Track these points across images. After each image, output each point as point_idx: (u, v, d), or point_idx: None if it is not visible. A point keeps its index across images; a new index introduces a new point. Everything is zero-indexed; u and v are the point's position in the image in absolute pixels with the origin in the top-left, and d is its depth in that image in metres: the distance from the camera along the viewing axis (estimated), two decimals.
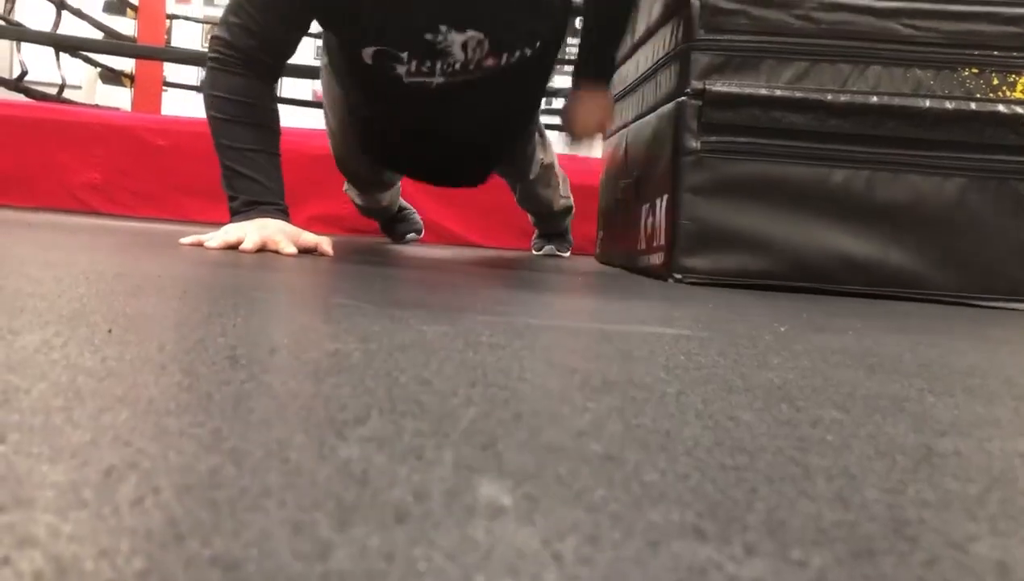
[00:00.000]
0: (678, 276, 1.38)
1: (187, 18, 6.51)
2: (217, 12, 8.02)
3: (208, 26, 7.86)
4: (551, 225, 2.27)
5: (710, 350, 0.59)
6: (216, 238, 1.21)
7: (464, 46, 1.33)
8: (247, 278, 0.85)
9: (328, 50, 1.57)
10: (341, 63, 1.49)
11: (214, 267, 0.94)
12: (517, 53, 1.38)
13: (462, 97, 1.41)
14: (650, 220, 1.52)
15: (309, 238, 1.28)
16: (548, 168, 2.03)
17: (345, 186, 2.09)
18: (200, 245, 1.21)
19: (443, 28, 1.30)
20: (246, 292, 0.72)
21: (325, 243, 1.29)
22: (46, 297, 0.57)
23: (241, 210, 1.28)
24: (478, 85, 1.39)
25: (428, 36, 1.31)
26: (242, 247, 1.19)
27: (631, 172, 1.72)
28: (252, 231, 1.22)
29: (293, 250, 1.21)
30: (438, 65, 1.35)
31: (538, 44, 1.40)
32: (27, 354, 0.38)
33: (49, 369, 0.35)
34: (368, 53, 1.34)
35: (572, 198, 2.22)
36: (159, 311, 0.57)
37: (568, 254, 2.35)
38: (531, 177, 1.99)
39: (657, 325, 0.74)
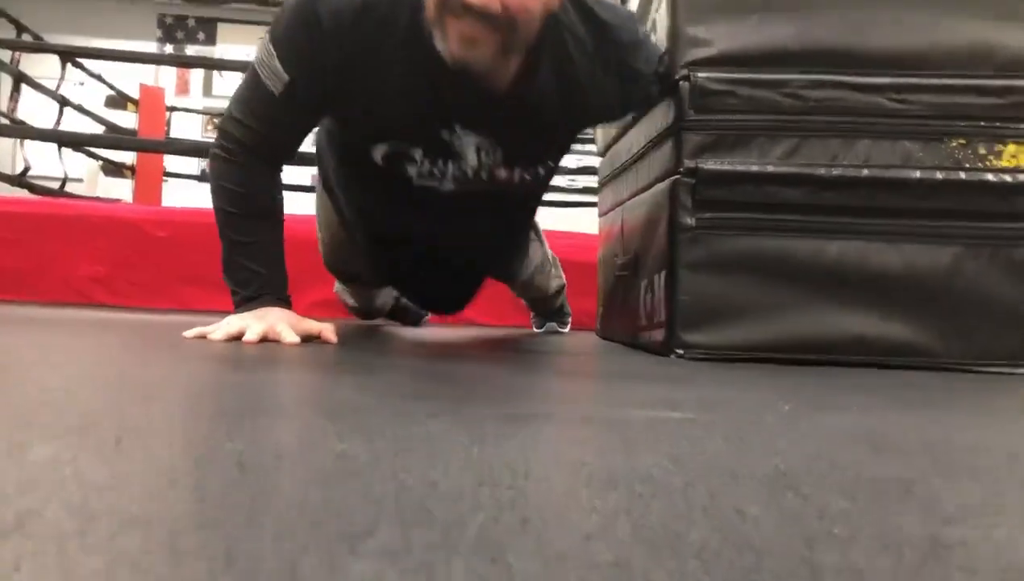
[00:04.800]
0: (679, 352, 1.38)
1: (187, 109, 6.65)
2: (216, 103, 8.19)
3: (207, 116, 8.02)
4: (547, 305, 2.29)
5: (715, 435, 0.59)
6: (219, 330, 1.22)
7: (478, 150, 1.33)
8: (251, 375, 0.86)
9: (327, 157, 1.54)
10: (349, 164, 1.47)
11: (218, 364, 0.95)
12: (528, 172, 1.39)
13: (469, 208, 1.40)
14: (649, 296, 1.53)
15: (312, 325, 1.28)
16: (542, 262, 2.04)
17: (336, 286, 2.10)
18: (204, 338, 1.22)
19: (458, 127, 1.31)
20: (250, 391, 0.73)
21: (328, 330, 1.30)
22: (54, 406, 0.57)
23: (243, 301, 1.29)
24: (486, 197, 1.39)
25: (444, 134, 1.31)
26: (245, 339, 1.19)
27: (629, 249, 1.73)
28: (254, 322, 1.23)
29: (296, 339, 1.21)
30: (450, 168, 1.35)
31: (545, 169, 1.42)
32: (38, 470, 0.38)
33: (60, 487, 0.35)
34: (380, 151, 1.34)
35: (563, 274, 2.24)
36: (166, 417, 0.57)
37: (568, 329, 2.36)
38: (524, 277, 2.01)
39: (661, 408, 0.74)
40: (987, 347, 1.38)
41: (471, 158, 1.34)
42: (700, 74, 1.39)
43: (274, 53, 1.26)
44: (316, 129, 1.50)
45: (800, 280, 1.39)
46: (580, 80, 1.31)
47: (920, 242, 1.39)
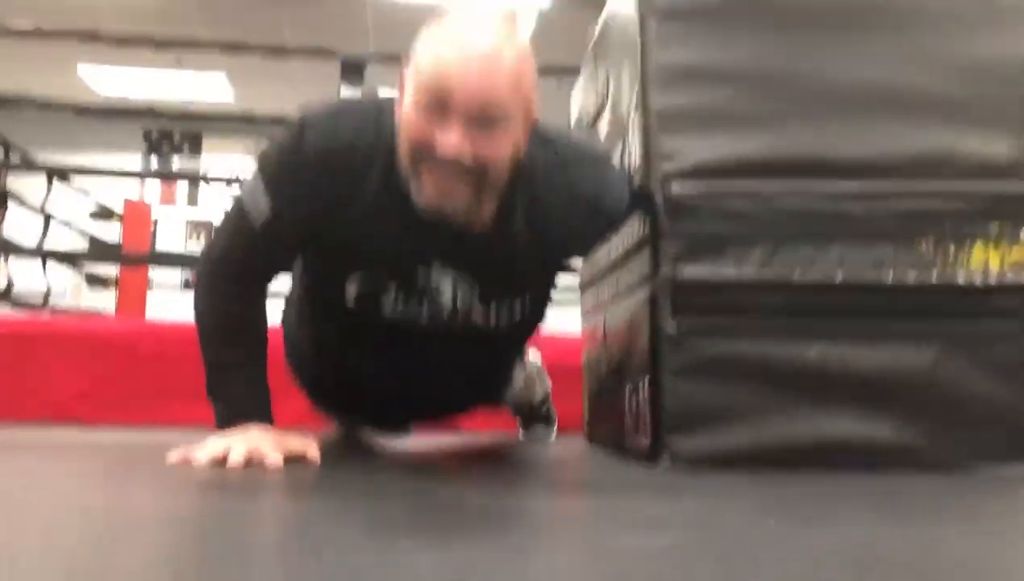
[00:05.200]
0: (666, 460, 1.38)
1: (171, 219, 6.71)
2: (201, 212, 8.26)
3: (192, 226, 8.10)
4: (532, 413, 2.28)
5: (705, 562, 0.59)
6: (203, 453, 1.21)
7: (454, 287, 1.35)
8: (235, 506, 0.85)
9: (302, 281, 1.53)
10: (320, 292, 1.46)
11: (202, 493, 0.94)
12: (505, 310, 1.40)
13: (442, 347, 1.41)
14: (634, 402, 1.53)
15: (295, 444, 1.28)
16: (526, 380, 2.04)
17: None
18: (187, 461, 1.21)
19: (436, 264, 1.33)
20: (234, 525, 0.72)
21: (311, 449, 1.29)
22: (34, 551, 0.57)
23: (226, 421, 1.29)
24: (462, 338, 1.39)
25: (420, 270, 1.33)
26: (229, 463, 1.18)
27: (612, 354, 1.75)
28: (237, 443, 1.22)
29: (279, 461, 1.20)
30: (425, 305, 1.36)
31: (523, 307, 1.42)
32: None
33: None
34: (353, 284, 1.35)
35: (548, 380, 2.23)
36: (151, 561, 0.57)
37: (554, 434, 2.34)
38: (508, 400, 2.01)
39: (649, 530, 0.74)
40: (972, 446, 1.38)
41: (447, 295, 1.35)
42: (675, 185, 1.42)
43: (260, 185, 1.30)
44: None
45: (783, 384, 1.39)
46: (552, 220, 1.33)
47: (899, 343, 1.41)
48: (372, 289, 1.35)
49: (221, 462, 1.19)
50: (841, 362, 1.40)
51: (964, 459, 1.37)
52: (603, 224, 1.44)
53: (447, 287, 1.35)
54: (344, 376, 1.60)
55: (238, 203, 1.32)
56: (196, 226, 8.15)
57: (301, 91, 7.24)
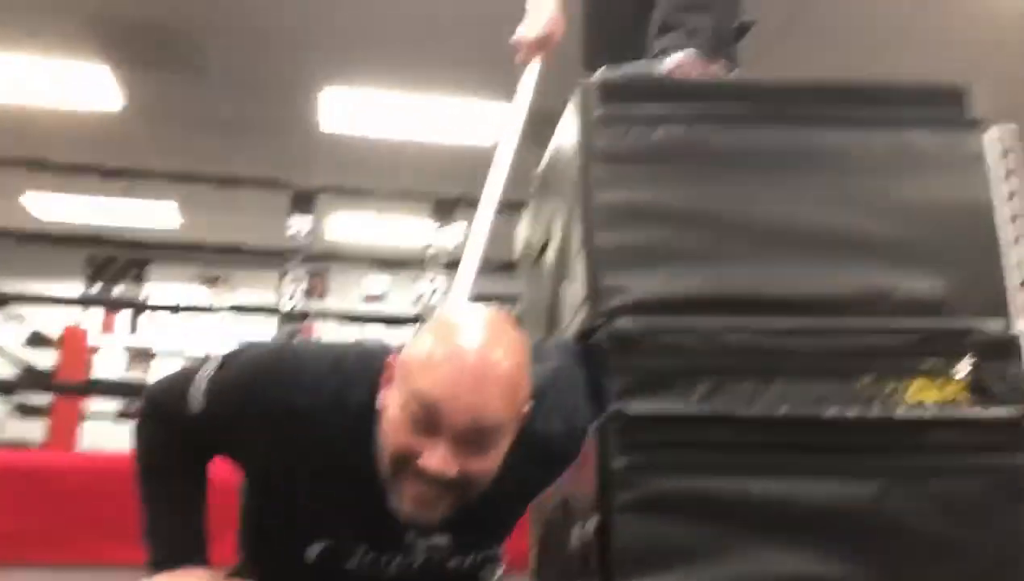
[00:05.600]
0: None
1: (112, 347, 6.59)
2: (142, 340, 8.09)
3: (133, 353, 7.94)
4: None
5: None
6: None
7: (429, 547, 1.27)
8: None
9: (245, 512, 1.39)
10: (271, 545, 1.33)
11: None
12: (482, 554, 1.34)
13: None
14: (582, 541, 1.50)
15: None
16: None
17: None
18: None
19: (411, 534, 1.24)
20: None
21: None
22: None
23: (160, 564, 1.23)
24: (434, 577, 1.31)
25: (391, 537, 1.24)
26: None
27: (558, 491, 1.72)
28: None
29: None
30: (395, 561, 1.27)
31: (498, 547, 1.38)
32: None
33: None
34: (315, 549, 1.25)
35: None
36: None
37: (500, 574, 2.27)
38: None
39: None
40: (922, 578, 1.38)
41: (420, 550, 1.27)
42: (619, 321, 1.45)
43: (202, 392, 1.22)
44: None
45: (731, 521, 1.39)
46: (521, 475, 1.26)
47: (843, 478, 1.42)
48: (336, 552, 1.25)
49: None
50: (787, 498, 1.41)
51: None
52: (563, 467, 1.37)
53: (422, 545, 1.27)
54: None
55: (191, 374, 1.25)
56: (137, 355, 8.00)
57: (251, 220, 7.29)
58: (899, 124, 1.60)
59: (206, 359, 1.28)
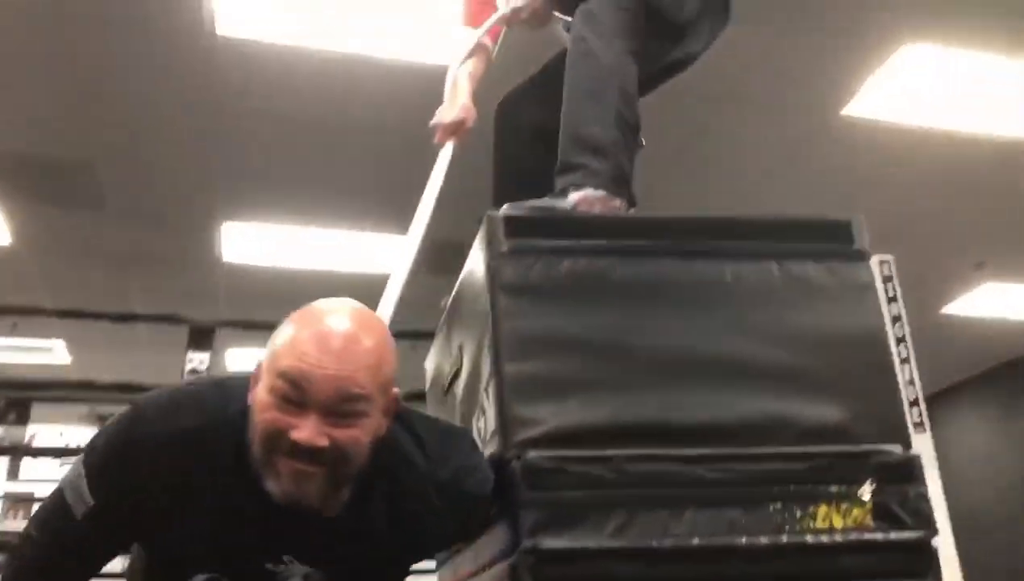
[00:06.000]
0: None
1: None
2: (22, 487, 7.61)
3: (12, 500, 7.43)
4: None
5: None
6: None
7: (305, 579, 1.26)
8: None
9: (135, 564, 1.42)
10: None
11: None
12: None
13: None
14: None
15: None
16: None
17: None
18: None
19: (286, 558, 1.25)
20: None
21: None
22: None
23: None
24: None
25: (269, 565, 1.25)
26: None
27: None
28: None
29: None
30: None
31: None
32: None
33: None
34: (200, 579, 1.24)
35: None
36: None
37: None
38: None
39: None
40: None
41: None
42: (531, 453, 1.43)
43: (83, 475, 1.20)
44: None
45: None
46: (412, 508, 1.30)
47: None
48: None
49: None
50: None
51: None
52: (470, 515, 1.40)
53: (299, 571, 1.26)
54: None
55: (58, 495, 1.22)
56: (16, 502, 7.49)
57: (146, 357, 7.06)
58: (791, 256, 1.66)
59: (53, 493, 1.24)
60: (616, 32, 1.85)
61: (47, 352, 7.13)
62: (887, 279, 3.82)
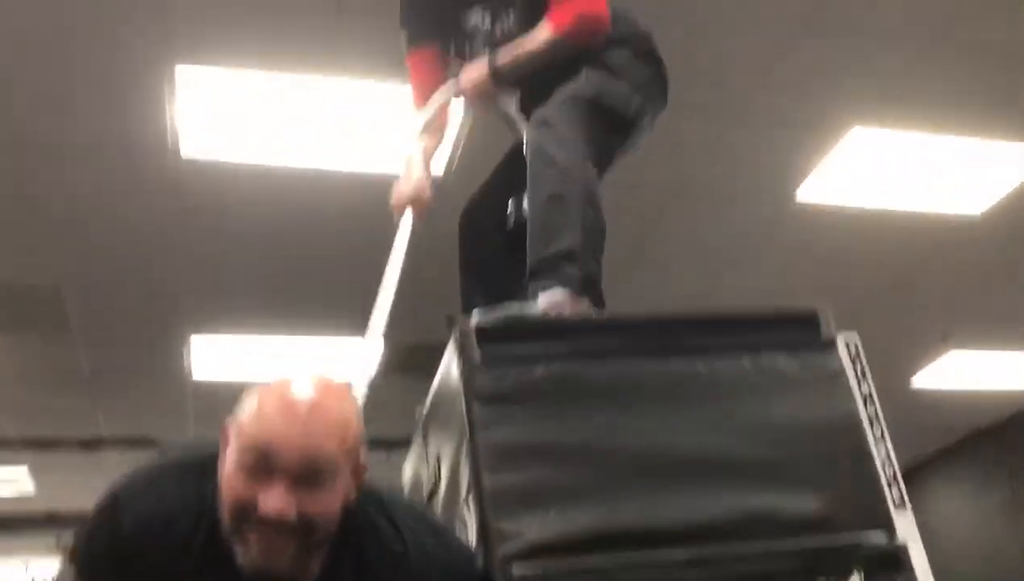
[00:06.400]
0: None
1: None
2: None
3: None
4: None
5: None
6: None
7: None
8: None
9: None
10: None
11: None
12: None
13: None
14: None
15: None
16: None
17: None
18: None
19: None
20: None
21: None
22: None
23: None
24: None
25: None
26: None
27: None
28: None
29: None
30: None
31: None
32: None
33: None
34: None
35: None
36: None
37: None
38: None
39: None
40: None
41: None
42: (515, 567, 1.40)
43: (71, 565, 1.22)
44: None
45: None
46: (381, 576, 1.29)
47: None
48: None
49: None
50: None
51: None
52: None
53: None
54: None
55: None
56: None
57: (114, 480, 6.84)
58: (760, 348, 1.67)
59: None
60: (575, 137, 1.90)
61: (12, 484, 6.93)
62: (854, 359, 3.84)
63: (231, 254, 4.54)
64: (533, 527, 1.44)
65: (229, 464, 1.17)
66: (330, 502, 1.17)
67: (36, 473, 6.85)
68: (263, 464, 1.14)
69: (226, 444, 1.21)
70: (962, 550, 6.65)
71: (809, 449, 1.59)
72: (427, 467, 1.89)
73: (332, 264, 4.66)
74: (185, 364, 5.53)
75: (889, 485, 3.77)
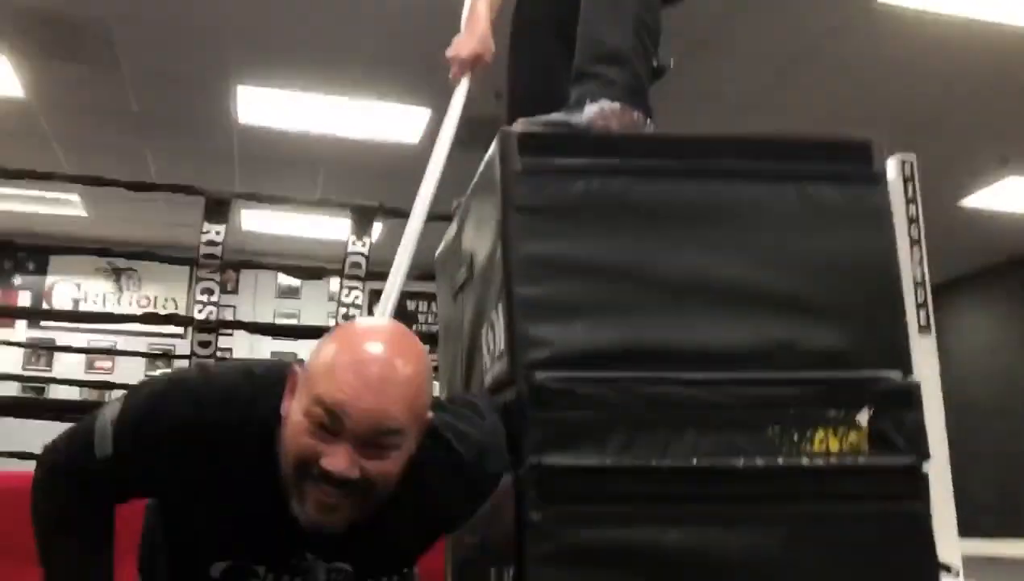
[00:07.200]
0: None
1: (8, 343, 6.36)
2: (42, 333, 7.81)
3: (32, 350, 7.64)
4: None
5: None
6: None
7: (328, 572, 1.29)
8: None
9: (157, 539, 1.39)
10: (179, 561, 1.33)
11: None
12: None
13: None
14: None
15: None
16: None
17: None
18: None
19: (310, 557, 1.27)
20: None
21: None
22: None
23: None
24: None
25: (293, 560, 1.27)
26: None
27: (475, 529, 1.73)
28: None
29: None
30: None
31: (399, 575, 1.40)
32: None
33: None
34: (218, 568, 1.27)
35: None
36: None
37: None
38: None
39: None
40: None
41: (321, 575, 1.29)
42: (538, 374, 1.46)
43: (112, 424, 1.22)
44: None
45: (645, 571, 1.42)
46: (436, 503, 1.33)
47: (752, 527, 1.46)
48: (239, 572, 1.27)
49: None
50: (699, 547, 1.44)
51: None
52: (485, 489, 1.41)
53: (321, 572, 1.29)
54: None
55: (89, 425, 1.24)
56: (36, 352, 7.71)
57: (160, 216, 7.08)
58: (808, 178, 1.64)
59: (104, 405, 1.28)
60: None
61: (65, 204, 7.17)
62: (908, 180, 3.77)
63: (280, 3, 4.42)
64: (559, 338, 1.49)
65: (296, 414, 1.15)
66: (393, 466, 1.17)
67: (87, 201, 7.08)
68: (332, 423, 1.12)
69: (294, 388, 1.18)
70: (979, 372, 6.77)
71: (840, 284, 1.60)
72: (459, 264, 1.92)
73: (384, 24, 4.53)
74: (232, 110, 5.54)
75: (918, 308, 3.79)
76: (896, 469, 1.53)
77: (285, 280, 8.57)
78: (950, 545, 3.40)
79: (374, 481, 1.15)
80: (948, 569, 3.34)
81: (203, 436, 1.19)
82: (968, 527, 5.43)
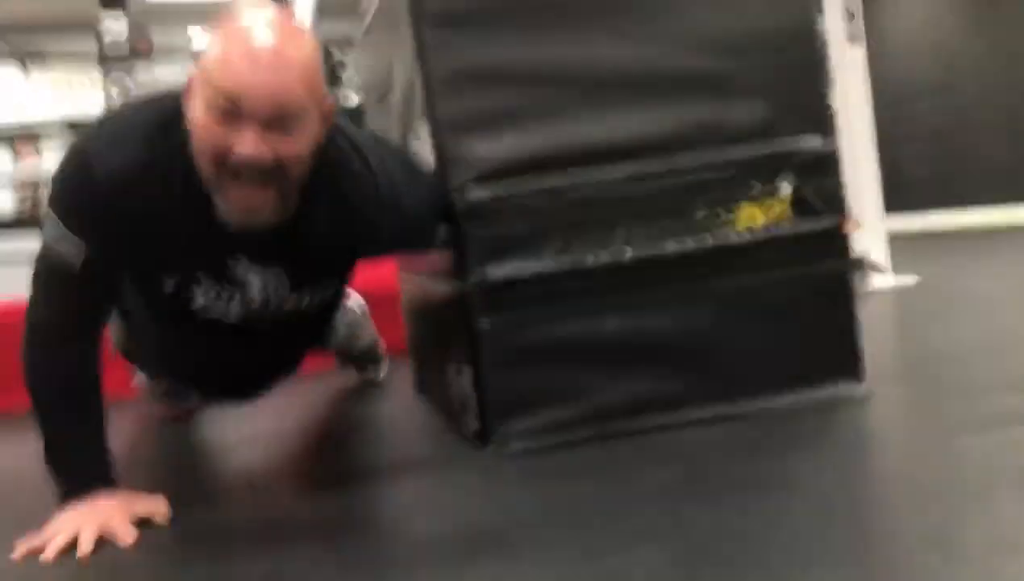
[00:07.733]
0: (498, 442, 1.50)
1: None
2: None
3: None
4: (361, 358, 2.36)
5: None
6: (51, 547, 1.22)
7: (263, 280, 1.39)
8: None
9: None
10: (140, 289, 1.45)
11: None
12: (317, 292, 1.46)
13: (261, 331, 1.47)
14: (458, 385, 1.64)
15: (143, 508, 1.32)
16: (349, 327, 2.11)
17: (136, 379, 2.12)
18: (36, 553, 1.22)
19: (243, 258, 1.36)
20: None
21: (159, 509, 1.33)
22: None
23: (69, 494, 1.30)
24: (276, 322, 1.46)
25: (229, 263, 1.36)
26: (80, 552, 1.21)
27: (432, 322, 1.84)
28: (86, 524, 1.24)
29: (131, 537, 1.24)
30: (235, 299, 1.40)
31: (334, 286, 1.50)
32: None
33: None
34: (170, 285, 1.37)
35: (375, 330, 2.31)
36: None
37: (383, 374, 2.44)
38: (333, 346, 2.08)
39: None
40: (751, 386, 1.58)
41: (256, 285, 1.40)
42: (471, 191, 1.49)
43: (61, 228, 1.28)
44: None
45: (591, 359, 1.54)
46: (353, 214, 1.38)
47: (685, 306, 1.56)
48: (185, 286, 1.38)
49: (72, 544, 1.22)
50: (636, 331, 1.56)
51: (745, 400, 1.57)
52: (400, 224, 1.46)
53: (255, 280, 1.39)
54: (171, 361, 1.68)
55: (46, 253, 1.30)
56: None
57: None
58: None
59: (40, 256, 1.32)
60: None
61: None
62: None
63: None
64: (487, 151, 1.51)
65: (199, 114, 1.20)
66: (301, 144, 1.23)
67: None
68: (234, 111, 1.17)
69: (192, 95, 1.23)
70: (915, 49, 6.69)
71: (759, 58, 1.60)
72: (380, 71, 1.87)
73: None
74: None
75: (851, 19, 3.75)
76: (818, 233, 1.62)
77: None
78: (876, 242, 3.62)
79: (285, 162, 1.22)
80: (876, 269, 3.58)
81: (131, 176, 1.26)
82: (903, 203, 5.65)
